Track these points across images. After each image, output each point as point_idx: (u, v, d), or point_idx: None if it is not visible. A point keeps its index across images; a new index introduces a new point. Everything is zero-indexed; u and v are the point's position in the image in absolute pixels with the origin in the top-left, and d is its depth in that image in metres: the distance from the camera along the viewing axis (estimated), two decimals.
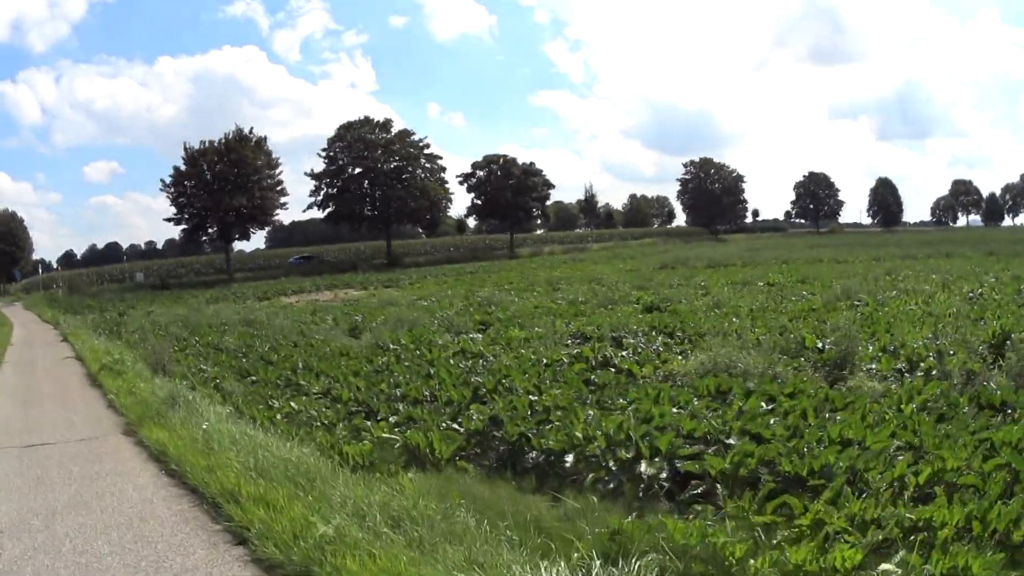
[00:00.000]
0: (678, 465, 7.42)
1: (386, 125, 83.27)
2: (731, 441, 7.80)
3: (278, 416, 10.97)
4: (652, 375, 12.12)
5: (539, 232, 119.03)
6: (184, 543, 6.55)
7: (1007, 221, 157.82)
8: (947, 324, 14.85)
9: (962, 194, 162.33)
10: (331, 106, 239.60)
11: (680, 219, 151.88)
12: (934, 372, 10.87)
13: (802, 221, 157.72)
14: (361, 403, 11.31)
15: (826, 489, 6.40)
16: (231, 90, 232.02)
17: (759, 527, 5.86)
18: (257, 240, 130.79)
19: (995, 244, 54.23)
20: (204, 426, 9.73)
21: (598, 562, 5.24)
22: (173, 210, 72.17)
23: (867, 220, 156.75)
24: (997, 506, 5.71)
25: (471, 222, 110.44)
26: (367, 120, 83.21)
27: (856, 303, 20.09)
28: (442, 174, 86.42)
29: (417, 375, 12.89)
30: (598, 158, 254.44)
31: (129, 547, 6.49)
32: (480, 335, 18.07)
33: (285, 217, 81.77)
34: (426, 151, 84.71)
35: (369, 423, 10.02)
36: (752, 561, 5.21)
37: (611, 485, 7.26)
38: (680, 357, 13.31)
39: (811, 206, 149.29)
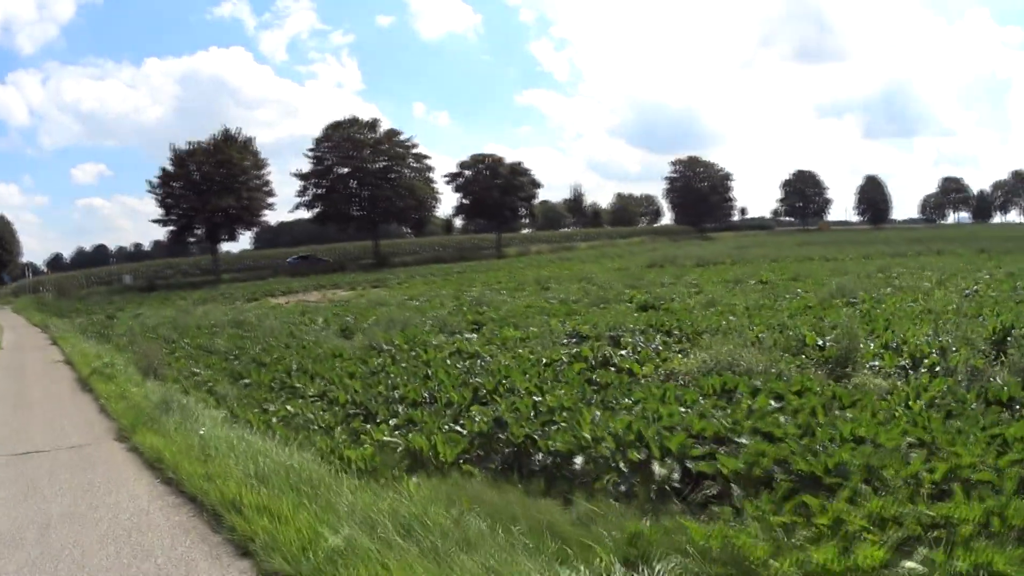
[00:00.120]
0: (689, 465, 7.24)
1: (373, 125, 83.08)
2: (743, 440, 7.63)
3: (274, 420, 10.72)
4: (653, 374, 11.93)
5: (525, 231, 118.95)
6: (185, 556, 6.29)
7: (997, 218, 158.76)
8: (946, 321, 14.71)
9: (951, 191, 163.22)
10: (317, 106, 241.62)
11: (667, 217, 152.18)
12: (938, 368, 10.77)
13: (789, 219, 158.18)
14: (359, 406, 11.08)
15: (843, 488, 6.25)
16: (218, 91, 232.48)
17: (778, 527, 5.70)
18: (244, 241, 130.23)
19: (986, 241, 54.38)
20: (201, 432, 9.46)
21: (619, 568, 5.13)
22: (160, 211, 71.82)
23: (855, 218, 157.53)
24: (1014, 501, 5.65)
25: (458, 222, 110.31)
26: (354, 120, 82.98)
27: (852, 300, 19.97)
28: (429, 174, 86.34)
29: (414, 376, 12.65)
30: (583, 157, 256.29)
31: (128, 561, 6.23)
32: (475, 335, 17.86)
33: (272, 218, 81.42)
34: (413, 151, 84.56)
35: (368, 426, 9.79)
36: (774, 562, 5.10)
37: (623, 487, 7.07)
38: (680, 355, 13.13)
39: (799, 204, 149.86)
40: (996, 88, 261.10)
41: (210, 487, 7.55)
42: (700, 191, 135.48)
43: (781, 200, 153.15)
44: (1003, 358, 11.06)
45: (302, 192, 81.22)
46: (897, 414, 8.33)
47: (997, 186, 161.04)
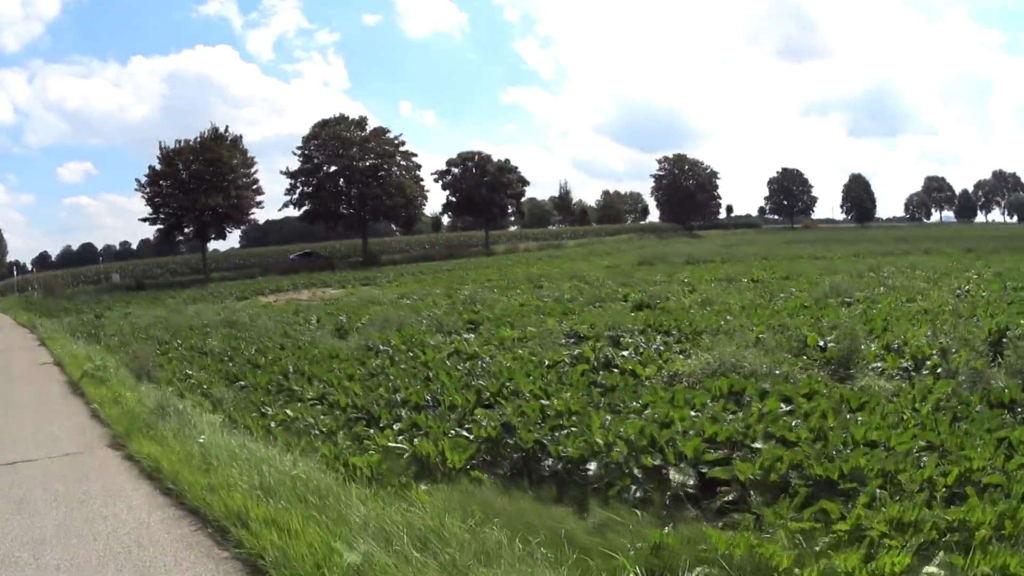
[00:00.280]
0: (703, 471, 7.15)
1: (361, 123, 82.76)
2: (757, 445, 7.57)
3: (273, 424, 10.49)
4: (656, 375, 11.83)
5: (513, 229, 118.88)
6: (191, 574, 6.03)
7: (980, 217, 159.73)
8: (943, 322, 14.72)
9: (935, 190, 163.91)
10: (303, 104, 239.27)
11: (654, 215, 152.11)
12: (939, 370, 10.76)
13: (775, 217, 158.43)
14: (360, 409, 10.89)
15: (860, 493, 6.21)
16: (204, 89, 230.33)
17: (799, 534, 5.63)
18: (232, 240, 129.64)
19: (972, 241, 54.68)
20: (201, 440, 9.14)
21: None
22: (148, 210, 71.36)
23: (840, 216, 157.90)
24: None
25: (445, 219, 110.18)
26: (342, 118, 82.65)
27: (847, 300, 19.98)
28: (417, 171, 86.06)
29: (415, 379, 12.46)
30: (569, 155, 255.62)
31: None
32: (472, 335, 17.72)
33: (259, 216, 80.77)
34: (401, 148, 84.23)
35: (372, 431, 9.60)
36: (798, 570, 5.03)
37: (638, 494, 6.94)
38: (681, 356, 13.06)
39: (785, 202, 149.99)
40: (978, 88, 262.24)
41: (213, 499, 7.25)
42: (687, 189, 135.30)
43: (767, 198, 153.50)
44: (1000, 359, 11.08)
45: (290, 190, 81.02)
46: (905, 417, 8.28)
47: (979, 185, 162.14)
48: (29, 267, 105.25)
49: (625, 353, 13.41)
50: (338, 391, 12.13)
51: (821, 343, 13.03)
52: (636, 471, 7.22)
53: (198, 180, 69.19)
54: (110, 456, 10.12)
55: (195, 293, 48.23)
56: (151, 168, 70.98)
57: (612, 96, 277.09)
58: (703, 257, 49.90)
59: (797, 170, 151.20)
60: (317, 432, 9.92)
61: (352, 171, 79.72)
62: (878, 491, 6.19)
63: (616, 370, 12.20)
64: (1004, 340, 11.96)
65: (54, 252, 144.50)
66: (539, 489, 7.38)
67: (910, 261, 36.11)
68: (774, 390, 9.75)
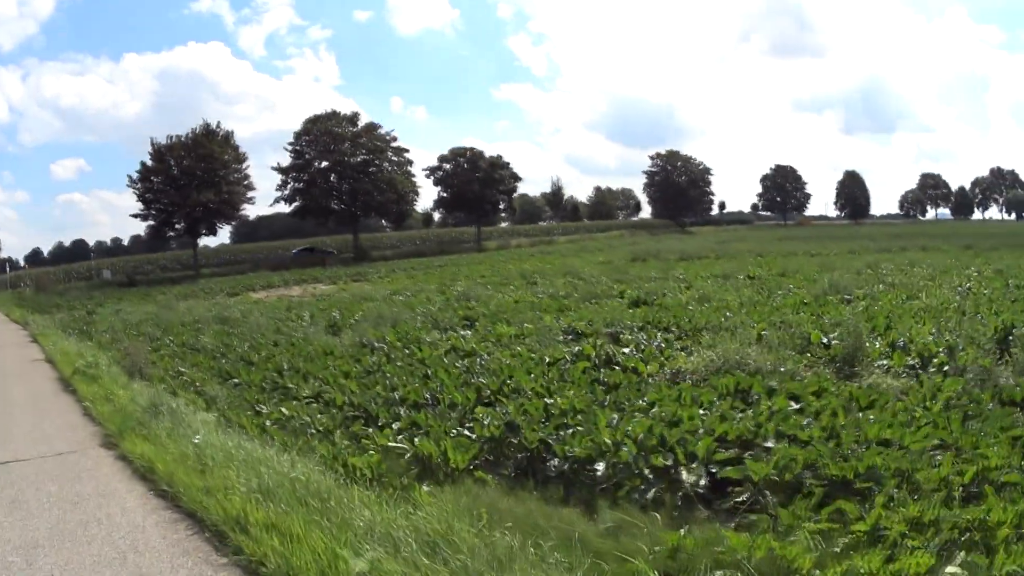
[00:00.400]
0: (713, 471, 6.99)
1: (353, 119, 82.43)
2: (769, 444, 7.42)
3: (268, 423, 10.24)
4: (659, 373, 11.62)
5: (504, 225, 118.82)
6: None
7: (976, 215, 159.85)
8: (948, 319, 14.55)
9: (931, 187, 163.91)
10: (295, 101, 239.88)
11: (646, 211, 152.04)
12: (946, 368, 10.59)
13: (768, 214, 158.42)
14: (357, 407, 10.64)
15: (876, 492, 6.10)
16: (196, 86, 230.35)
17: (817, 535, 5.48)
18: (222, 236, 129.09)
19: (970, 238, 54.39)
20: (196, 440, 8.88)
21: None
22: (140, 206, 70.90)
23: (833, 213, 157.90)
24: None
25: (437, 215, 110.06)
26: (334, 114, 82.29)
27: (847, 297, 19.79)
28: (409, 167, 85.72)
29: (413, 376, 12.23)
30: (561, 151, 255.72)
31: None
32: (468, 332, 17.49)
33: (250, 212, 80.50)
34: (393, 144, 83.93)
35: (370, 430, 9.36)
36: (818, 572, 4.94)
37: (648, 495, 6.75)
38: (682, 353, 12.83)
39: (778, 199, 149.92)
40: (975, 85, 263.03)
41: (210, 502, 7.01)
42: (679, 185, 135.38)
43: (760, 195, 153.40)
44: (1008, 357, 10.92)
45: (282, 186, 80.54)
46: (917, 415, 8.14)
47: (976, 183, 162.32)
48: (21, 263, 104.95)
49: (626, 350, 13.18)
50: (334, 389, 11.89)
51: (825, 340, 12.84)
52: (646, 471, 7.03)
53: (189, 176, 68.70)
54: (103, 456, 9.82)
55: (186, 289, 47.79)
56: (143, 164, 70.66)
57: (605, 93, 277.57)
58: (697, 253, 49.57)
59: (791, 167, 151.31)
60: (314, 431, 9.68)
61: (343, 167, 79.37)
62: (901, 491, 6.09)
63: (618, 367, 11.97)
64: (1010, 338, 11.82)
65: (47, 249, 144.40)
66: (545, 490, 7.18)
67: (908, 258, 35.74)
68: (781, 388, 9.57)
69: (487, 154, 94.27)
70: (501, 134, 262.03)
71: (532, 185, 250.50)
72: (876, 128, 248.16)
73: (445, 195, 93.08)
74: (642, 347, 13.50)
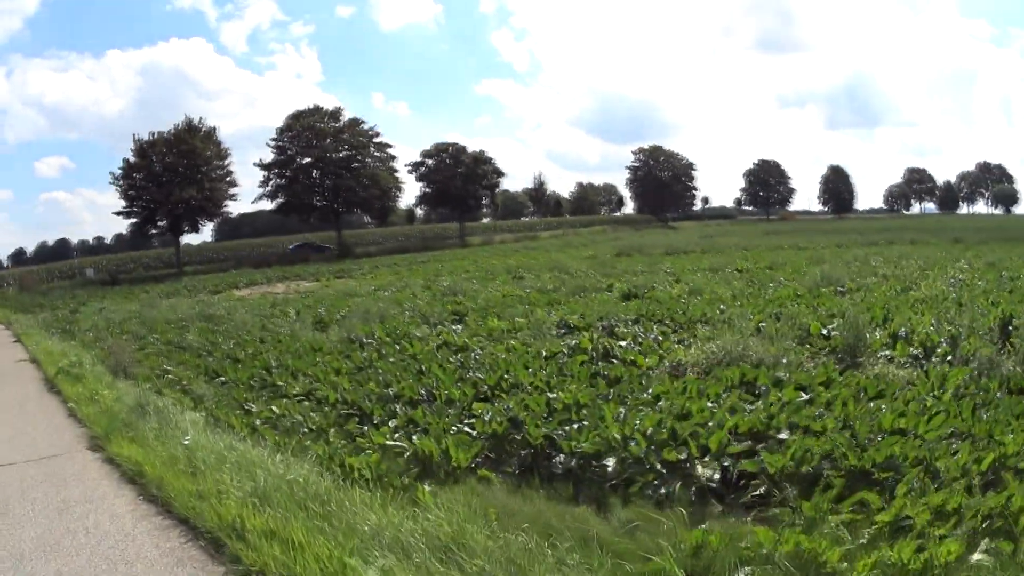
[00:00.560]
0: (726, 464, 6.80)
1: (336, 114, 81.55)
2: (783, 436, 7.21)
3: (258, 422, 9.90)
4: (658, 365, 11.35)
5: (486, 221, 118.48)
6: None
7: (963, 209, 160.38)
8: (945, 310, 14.50)
9: (916, 182, 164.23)
10: (277, 97, 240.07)
11: (629, 207, 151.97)
12: (950, 358, 10.54)
13: (751, 209, 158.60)
14: (351, 405, 10.30)
15: (896, 482, 5.97)
16: (178, 82, 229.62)
17: (841, 527, 5.35)
18: (204, 234, 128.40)
19: (957, 231, 54.37)
20: (186, 441, 8.53)
21: None
22: (123, 204, 70.03)
23: (817, 207, 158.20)
24: None
25: (419, 211, 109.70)
26: (317, 109, 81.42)
27: (840, 289, 19.70)
28: (392, 163, 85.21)
29: (406, 372, 11.88)
30: (542, 147, 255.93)
31: None
32: (459, 326, 17.21)
33: (233, 208, 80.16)
34: (376, 140, 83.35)
35: (366, 428, 9.05)
36: (844, 564, 4.85)
37: (662, 490, 6.54)
38: (680, 346, 12.66)
39: (761, 194, 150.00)
40: (962, 80, 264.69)
41: (204, 507, 6.67)
42: (662, 180, 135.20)
43: (744, 189, 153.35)
44: (1009, 347, 10.81)
45: (264, 182, 79.80)
46: (928, 405, 8.00)
47: (963, 177, 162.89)
48: (4, 263, 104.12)
49: (623, 343, 12.93)
50: (325, 386, 11.54)
51: (824, 331, 12.72)
52: (658, 466, 6.80)
53: (172, 172, 67.93)
54: (89, 459, 9.45)
55: (169, 287, 47.12)
56: (125, 161, 69.69)
57: (586, 88, 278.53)
58: (682, 248, 49.48)
59: (774, 161, 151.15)
60: (307, 430, 9.37)
61: (326, 163, 78.63)
62: (924, 480, 5.99)
63: (616, 361, 11.74)
64: (1010, 328, 11.71)
65: (31, 248, 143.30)
66: (551, 488, 6.94)
67: (897, 251, 35.72)
68: (789, 379, 9.39)
69: (472, 149, 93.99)
70: (482, 130, 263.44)
71: (514, 181, 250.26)
72: (860, 123, 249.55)
73: (428, 191, 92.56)
74: (639, 340, 13.26)
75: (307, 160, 79.07)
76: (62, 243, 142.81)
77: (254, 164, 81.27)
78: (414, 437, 8.18)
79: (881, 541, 5.11)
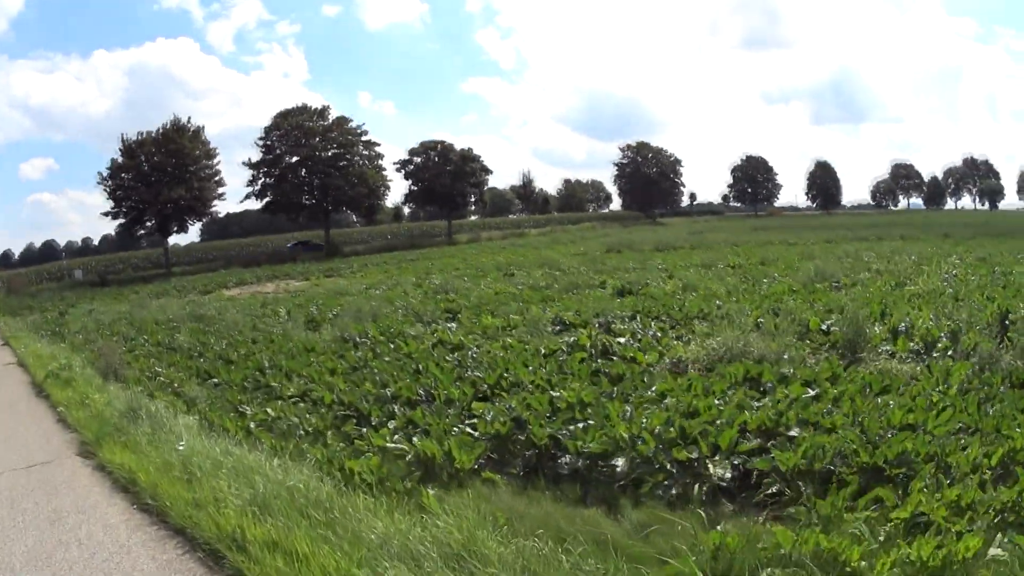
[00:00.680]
0: (736, 462, 6.70)
1: (323, 112, 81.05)
2: (793, 433, 7.13)
3: (253, 425, 9.65)
4: (658, 362, 11.22)
5: (474, 218, 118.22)
6: None
7: (949, 204, 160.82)
8: (942, 305, 14.46)
9: (902, 177, 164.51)
10: (264, 96, 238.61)
11: (617, 203, 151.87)
12: (950, 353, 10.49)
13: (738, 205, 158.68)
14: (347, 406, 10.07)
15: (910, 478, 5.97)
16: (165, 82, 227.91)
17: (860, 525, 5.26)
18: (192, 234, 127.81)
19: (946, 227, 54.32)
20: (180, 447, 8.28)
21: None
22: (110, 204, 69.44)
23: (804, 203, 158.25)
24: None
25: (407, 209, 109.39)
26: (304, 108, 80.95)
27: (835, 284, 19.61)
28: (380, 161, 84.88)
29: (403, 371, 11.68)
30: (529, 145, 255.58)
31: None
32: (453, 324, 17.04)
33: (220, 208, 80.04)
34: (363, 138, 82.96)
35: (364, 430, 8.85)
36: (864, 562, 4.74)
37: (673, 490, 6.41)
38: (678, 342, 12.54)
39: (748, 189, 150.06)
40: (947, 76, 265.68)
41: (201, 516, 6.42)
42: (650, 176, 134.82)
43: (731, 185, 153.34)
44: (1007, 342, 10.79)
45: (252, 181, 79.29)
46: (935, 400, 7.93)
47: (949, 172, 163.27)
48: None
49: (621, 340, 12.76)
50: (320, 387, 11.31)
51: (824, 327, 12.64)
52: (668, 465, 6.66)
53: (160, 172, 67.46)
54: (80, 466, 9.17)
55: (158, 287, 46.78)
56: (113, 161, 69.16)
57: (572, 86, 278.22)
58: (672, 244, 49.32)
59: (761, 157, 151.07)
60: (303, 432, 9.15)
61: (314, 161, 78.20)
62: (938, 475, 5.96)
63: (615, 358, 11.57)
64: (1007, 322, 11.68)
65: (18, 251, 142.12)
66: (558, 489, 6.79)
67: (887, 247, 35.56)
68: (794, 375, 9.31)
69: (459, 147, 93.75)
70: (469, 128, 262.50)
71: (500, 178, 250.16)
72: (845, 119, 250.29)
73: (415, 188, 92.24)
74: (638, 337, 13.12)
75: (295, 159, 78.65)
76: (49, 245, 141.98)
77: (242, 163, 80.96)
78: (415, 439, 8.00)
79: (897, 538, 5.06)
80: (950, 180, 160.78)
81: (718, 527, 5.35)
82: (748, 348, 11.00)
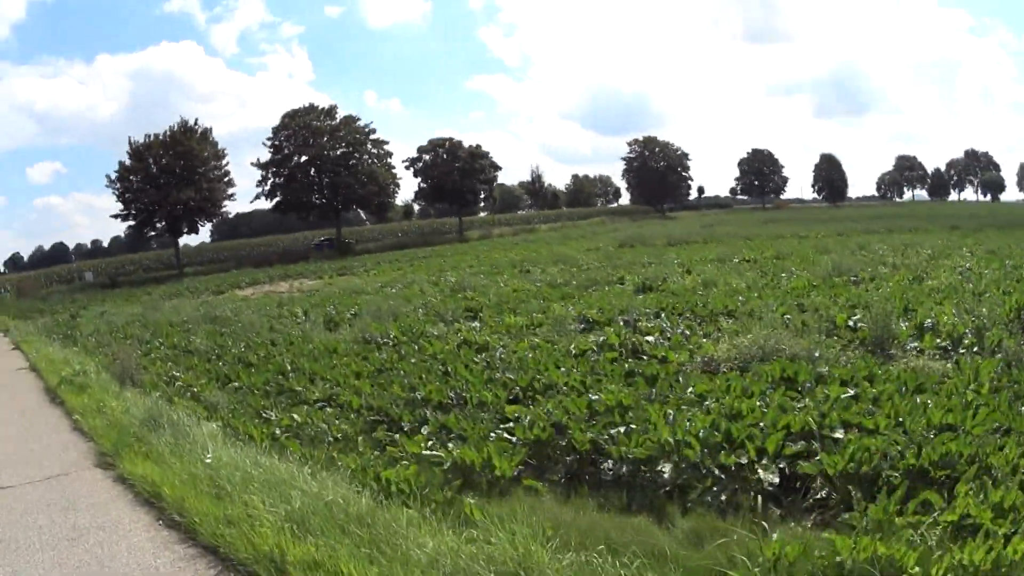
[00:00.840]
0: (782, 466, 6.50)
1: (331, 111, 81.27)
2: (838, 435, 6.90)
3: (278, 431, 9.37)
4: (689, 361, 11.01)
5: (483, 215, 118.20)
6: None
7: (952, 196, 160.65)
8: (963, 300, 14.25)
9: (907, 169, 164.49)
10: (269, 97, 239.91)
11: (625, 198, 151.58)
12: (975, 349, 10.36)
13: (745, 198, 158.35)
14: (377, 411, 9.79)
15: (956, 481, 5.81)
16: (169, 85, 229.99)
17: (912, 531, 5.11)
18: (202, 235, 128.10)
19: (953, 219, 54.08)
20: (207, 459, 7.93)
21: None
22: (119, 207, 69.70)
23: (810, 196, 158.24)
24: None
25: (416, 207, 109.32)
26: (312, 107, 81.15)
27: (854, 279, 19.38)
28: (389, 159, 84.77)
29: (431, 373, 11.42)
30: (535, 140, 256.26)
31: None
32: (475, 323, 16.87)
33: (230, 208, 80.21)
34: (372, 136, 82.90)
35: (396, 436, 8.60)
36: (918, 568, 4.60)
37: (722, 496, 6.24)
38: (707, 340, 12.30)
39: (756, 183, 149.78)
40: (945, 68, 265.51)
41: (234, 535, 6.06)
42: (658, 170, 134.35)
43: (738, 179, 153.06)
44: None
45: (262, 182, 79.44)
46: (969, 398, 7.69)
47: (951, 164, 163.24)
48: (1, 269, 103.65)
49: (650, 338, 12.55)
50: (346, 391, 11.07)
51: (851, 323, 12.43)
52: (716, 471, 6.48)
53: (169, 174, 67.72)
54: (99, 478, 8.75)
55: (170, 289, 46.69)
56: (121, 164, 69.42)
57: (578, 81, 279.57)
58: (684, 238, 49.18)
59: (767, 150, 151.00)
60: (332, 440, 8.89)
61: (323, 160, 78.34)
62: (971, 478, 5.78)
63: (646, 357, 11.37)
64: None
65: (27, 254, 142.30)
66: (601, 496, 6.62)
67: (898, 240, 35.22)
68: (830, 374, 9.11)
69: (465, 144, 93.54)
70: (475, 125, 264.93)
71: (508, 174, 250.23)
72: (848, 111, 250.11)
73: (425, 186, 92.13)
74: (667, 335, 12.93)
75: (304, 158, 78.83)
76: (59, 247, 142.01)
77: (251, 164, 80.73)
78: (449, 445, 7.83)
79: (947, 542, 4.93)
80: (952, 172, 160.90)
81: (773, 535, 5.15)
82: (780, 346, 10.79)
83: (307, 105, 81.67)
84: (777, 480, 6.32)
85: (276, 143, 79.63)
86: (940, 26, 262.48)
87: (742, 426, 7.04)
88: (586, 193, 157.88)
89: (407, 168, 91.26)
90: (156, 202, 67.65)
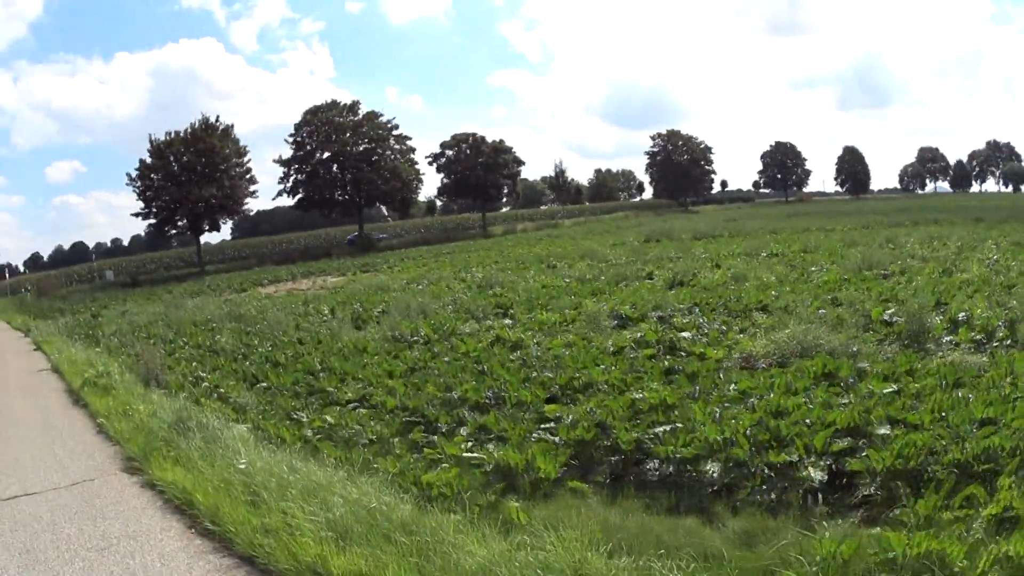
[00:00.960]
0: (829, 463, 6.43)
1: (353, 107, 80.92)
2: (883, 431, 6.82)
3: (310, 433, 9.15)
4: (727, 358, 10.84)
5: (506, 210, 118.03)
6: None
7: (975, 187, 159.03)
8: (994, 293, 14.20)
9: (929, 161, 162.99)
10: (290, 94, 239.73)
11: (649, 192, 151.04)
12: (1008, 342, 10.40)
13: (768, 191, 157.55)
14: (412, 411, 9.60)
15: (998, 474, 5.78)
16: (189, 83, 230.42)
17: (959, 525, 5.13)
18: (223, 232, 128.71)
19: (976, 211, 53.45)
20: (241, 465, 7.63)
21: None
22: (140, 205, 69.55)
23: (833, 188, 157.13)
24: None
25: (439, 202, 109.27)
26: (334, 103, 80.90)
27: (884, 273, 19.22)
28: (412, 155, 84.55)
29: (465, 372, 11.26)
30: (558, 135, 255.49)
31: None
32: (507, 320, 16.74)
33: (252, 206, 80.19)
34: (394, 132, 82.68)
35: (433, 438, 8.40)
36: (966, 562, 4.59)
37: (771, 495, 6.14)
38: (743, 336, 12.21)
39: (779, 176, 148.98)
40: (967, 59, 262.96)
41: (273, 544, 5.84)
42: (681, 164, 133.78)
43: (761, 172, 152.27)
44: None
45: (284, 178, 79.33)
46: (1007, 392, 7.68)
47: (973, 156, 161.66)
48: (21, 268, 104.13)
49: (686, 335, 12.42)
50: (379, 391, 10.90)
51: (886, 317, 12.36)
52: (765, 469, 6.38)
53: (190, 172, 67.60)
54: (127, 484, 8.53)
55: (192, 287, 46.65)
56: (141, 162, 69.24)
57: (600, 76, 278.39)
58: (709, 232, 48.60)
59: (790, 143, 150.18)
60: (367, 442, 8.67)
61: (346, 156, 78.16)
62: (1013, 471, 5.76)
63: (683, 354, 11.23)
64: None
65: (47, 253, 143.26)
66: (646, 497, 6.50)
67: (924, 232, 34.72)
68: (871, 369, 9.06)
69: (491, 139, 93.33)
70: (497, 120, 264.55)
71: (530, 169, 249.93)
72: (870, 104, 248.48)
73: (448, 181, 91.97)
74: (704, 331, 12.80)
75: (326, 155, 78.65)
76: (78, 246, 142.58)
77: (273, 161, 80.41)
78: (489, 446, 7.69)
79: (991, 536, 4.92)
80: (974, 163, 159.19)
81: (826, 533, 5.07)
82: (818, 341, 10.66)
83: (329, 101, 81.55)
84: (825, 477, 6.24)
85: (298, 139, 79.52)
86: (962, 14, 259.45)
87: (788, 423, 6.93)
88: (609, 188, 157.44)
89: (430, 164, 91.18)
90: (177, 200, 67.51)
